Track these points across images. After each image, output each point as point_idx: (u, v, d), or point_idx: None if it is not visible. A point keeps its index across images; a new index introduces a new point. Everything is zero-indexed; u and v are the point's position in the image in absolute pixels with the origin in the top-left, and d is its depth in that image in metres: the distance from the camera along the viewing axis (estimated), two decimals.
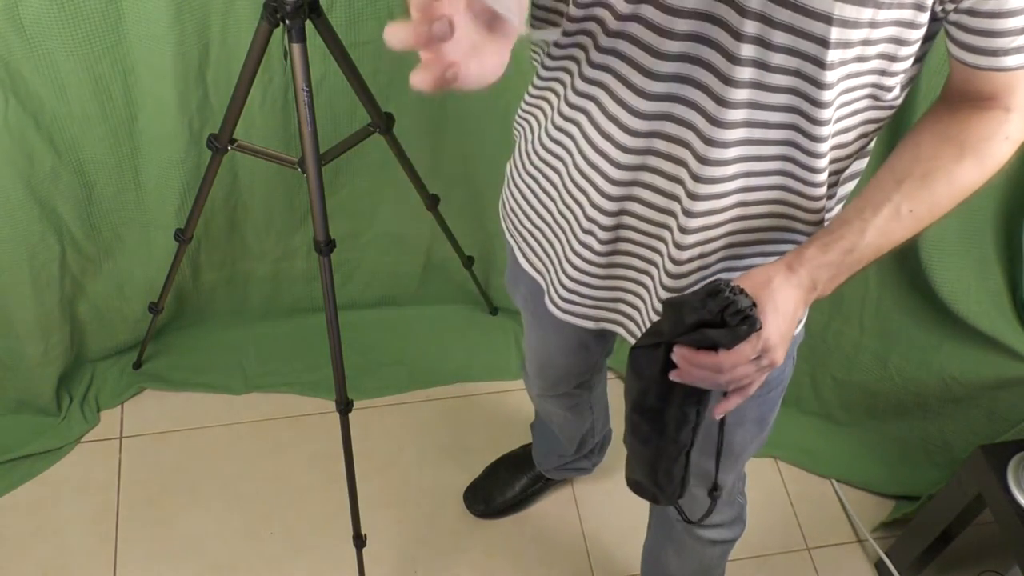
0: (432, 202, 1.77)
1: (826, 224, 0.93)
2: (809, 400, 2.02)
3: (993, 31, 0.81)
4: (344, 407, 1.57)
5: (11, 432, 1.90)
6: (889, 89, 0.87)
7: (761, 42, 0.81)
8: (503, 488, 1.89)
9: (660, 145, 0.91)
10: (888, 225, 0.85)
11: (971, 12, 0.81)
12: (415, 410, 2.05)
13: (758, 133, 0.88)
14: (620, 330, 1.15)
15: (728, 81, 0.84)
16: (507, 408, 2.06)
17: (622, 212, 0.98)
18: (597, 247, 1.03)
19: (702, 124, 0.88)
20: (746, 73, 0.83)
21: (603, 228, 1.00)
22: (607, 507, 1.89)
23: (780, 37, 0.80)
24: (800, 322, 1.12)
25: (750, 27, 0.80)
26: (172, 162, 1.70)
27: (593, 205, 0.99)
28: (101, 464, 1.91)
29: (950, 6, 0.81)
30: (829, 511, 1.97)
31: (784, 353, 0.84)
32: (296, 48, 1.30)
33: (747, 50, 0.82)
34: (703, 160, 0.89)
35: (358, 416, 2.03)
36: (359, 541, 1.68)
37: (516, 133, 1.09)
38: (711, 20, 0.82)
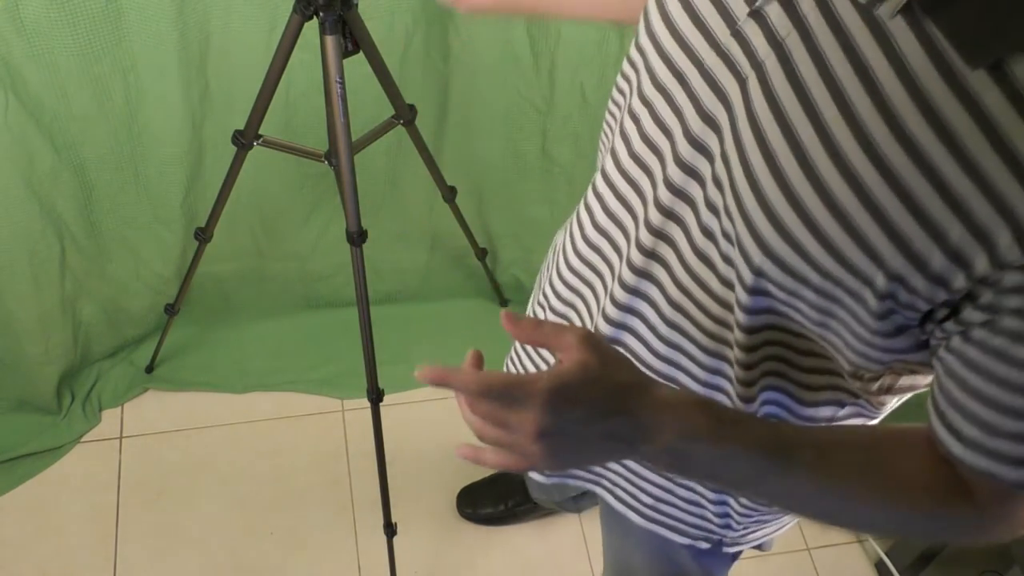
0: (451, 194, 1.77)
1: None
2: None
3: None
4: (376, 396, 1.56)
5: (11, 431, 1.90)
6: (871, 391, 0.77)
7: (738, 344, 0.77)
8: (495, 501, 1.88)
9: None
10: (786, 451, 0.66)
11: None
12: (417, 409, 2.04)
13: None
14: (597, 490, 1.09)
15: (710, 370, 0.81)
16: None
17: None
18: None
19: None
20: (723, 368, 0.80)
21: None
22: None
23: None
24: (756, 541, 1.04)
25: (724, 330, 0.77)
26: (175, 157, 1.70)
27: None
28: (101, 464, 1.91)
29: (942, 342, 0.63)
30: None
31: (547, 451, 0.62)
32: (330, 40, 1.29)
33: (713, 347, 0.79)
34: None
35: (361, 415, 2.04)
36: (390, 530, 1.67)
37: None
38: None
